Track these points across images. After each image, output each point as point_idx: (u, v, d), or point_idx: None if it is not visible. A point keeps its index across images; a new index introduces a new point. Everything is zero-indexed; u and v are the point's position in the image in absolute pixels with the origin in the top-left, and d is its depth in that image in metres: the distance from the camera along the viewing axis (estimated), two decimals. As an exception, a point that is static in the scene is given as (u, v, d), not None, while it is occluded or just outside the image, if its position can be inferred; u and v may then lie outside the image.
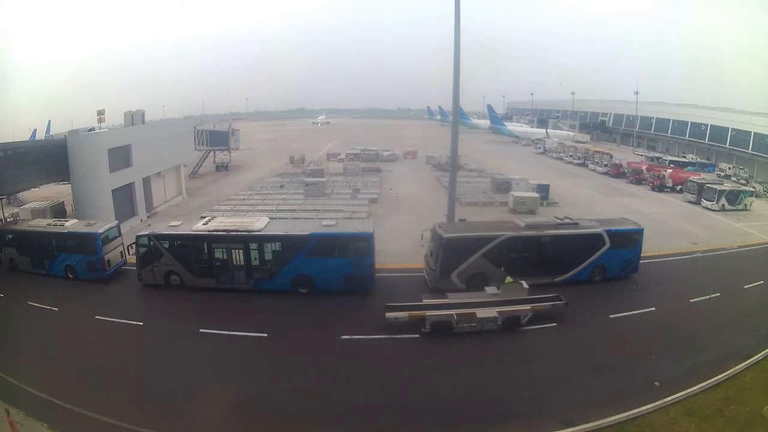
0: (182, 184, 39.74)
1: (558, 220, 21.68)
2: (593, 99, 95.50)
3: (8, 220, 26.28)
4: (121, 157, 29.66)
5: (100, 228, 21.41)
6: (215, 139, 52.27)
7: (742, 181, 48.63)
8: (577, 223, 21.47)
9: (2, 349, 14.99)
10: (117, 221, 23.53)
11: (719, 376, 13.69)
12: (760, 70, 68.22)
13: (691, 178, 41.21)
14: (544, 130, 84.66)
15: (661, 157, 63.29)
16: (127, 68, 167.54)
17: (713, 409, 12.45)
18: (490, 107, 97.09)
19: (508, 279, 18.00)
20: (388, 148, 62.53)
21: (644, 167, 49.57)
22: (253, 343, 15.76)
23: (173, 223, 21.22)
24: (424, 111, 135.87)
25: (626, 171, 49.75)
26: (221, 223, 20.75)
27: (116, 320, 17.23)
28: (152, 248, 19.91)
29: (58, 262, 21.52)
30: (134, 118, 33.18)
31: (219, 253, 19.70)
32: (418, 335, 15.97)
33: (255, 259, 19.59)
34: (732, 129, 59.22)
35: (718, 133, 61.44)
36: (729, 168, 55.17)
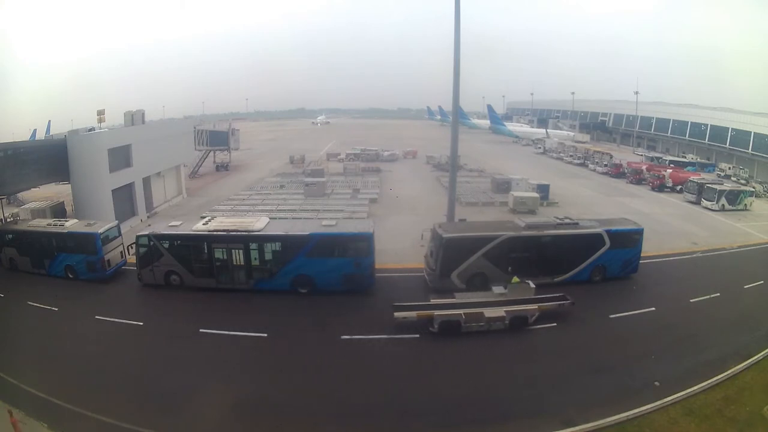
0: (182, 184, 39.74)
1: (558, 220, 21.68)
2: (593, 99, 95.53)
3: (8, 220, 26.28)
4: (121, 157, 29.66)
5: (100, 228, 21.41)
6: (215, 139, 52.27)
7: (742, 181, 48.63)
8: (577, 223, 21.47)
9: (2, 349, 14.99)
10: (117, 221, 23.53)
11: (719, 376, 13.69)
12: (760, 70, 68.32)
13: (691, 178, 41.21)
14: (544, 130, 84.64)
15: (661, 157, 63.29)
16: (127, 68, 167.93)
17: (713, 409, 12.45)
18: (490, 107, 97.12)
19: (515, 278, 18.01)
20: (388, 148, 62.53)
21: (644, 167, 49.57)
22: (253, 343, 15.76)
23: (173, 223, 21.22)
24: (424, 111, 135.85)
25: (626, 171, 49.75)
26: (221, 223, 20.75)
27: (116, 320, 17.23)
28: (152, 248, 19.91)
29: (58, 262, 21.52)
30: (134, 118, 33.19)
31: (219, 253, 19.70)
32: (418, 335, 15.98)
33: (255, 259, 19.59)
34: (732, 129, 59.22)
35: (718, 133, 61.45)
36: (729, 168, 55.18)
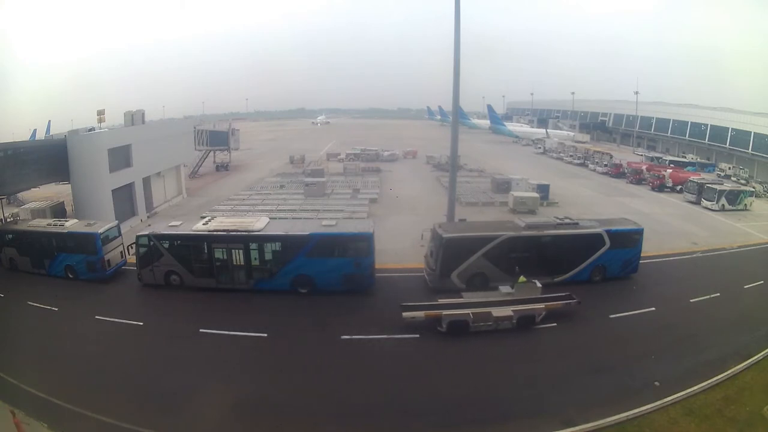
0: (182, 184, 39.73)
1: (558, 220, 21.68)
2: (593, 99, 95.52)
3: (8, 220, 26.28)
4: (121, 157, 29.66)
5: (100, 228, 21.41)
6: (215, 139, 52.26)
7: (742, 181, 48.63)
8: (577, 223, 21.47)
9: (2, 349, 14.98)
10: (117, 221, 23.53)
11: (719, 376, 13.69)
12: (760, 70, 68.34)
13: (691, 178, 41.21)
14: (544, 130, 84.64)
15: (661, 157, 63.29)
16: (127, 68, 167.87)
17: (713, 409, 12.45)
18: (490, 107, 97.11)
19: (522, 278, 18.03)
20: (388, 148, 62.52)
21: (644, 167, 49.57)
22: (253, 343, 15.76)
23: (173, 223, 21.22)
24: (424, 111, 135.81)
25: (626, 171, 49.74)
26: (221, 223, 20.75)
27: (116, 320, 17.23)
28: (152, 248, 19.90)
29: (58, 262, 21.52)
30: (134, 118, 33.19)
31: (219, 253, 19.70)
32: (418, 335, 15.98)
33: (255, 259, 19.59)
34: (732, 129, 59.22)
35: (718, 133, 61.44)
36: (729, 168, 55.17)
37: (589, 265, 20.65)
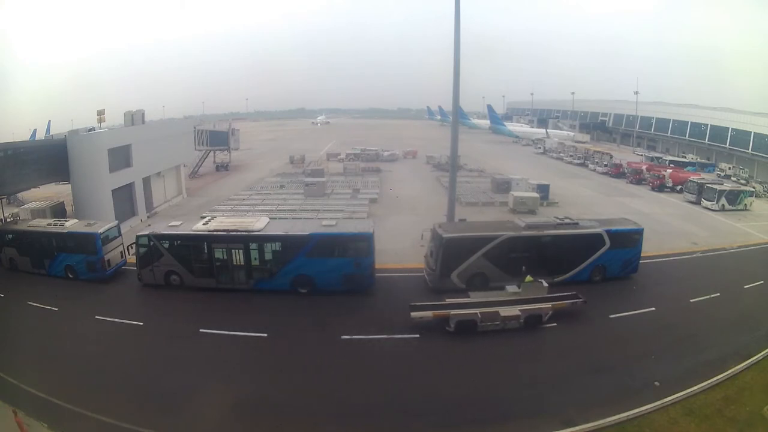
0: (182, 184, 39.73)
1: (558, 220, 21.68)
2: (593, 99, 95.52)
3: (8, 220, 26.27)
4: (121, 157, 29.66)
5: (100, 228, 21.41)
6: (215, 139, 52.27)
7: (742, 181, 48.63)
8: (577, 223, 21.47)
9: (2, 349, 14.98)
10: (117, 221, 23.53)
11: (719, 376, 13.69)
12: (760, 70, 68.33)
13: (691, 178, 41.21)
14: (544, 130, 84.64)
15: (661, 157, 63.28)
16: (127, 68, 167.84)
17: (713, 409, 12.45)
18: (490, 107, 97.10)
19: (528, 278, 18.04)
20: (388, 148, 62.51)
21: (644, 167, 49.56)
22: (253, 343, 15.76)
23: (173, 223, 21.22)
24: (424, 111, 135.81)
25: (626, 171, 49.74)
26: (221, 223, 20.75)
27: (116, 320, 17.23)
28: (152, 248, 19.90)
29: (58, 262, 21.52)
30: (134, 118, 33.19)
31: (219, 253, 19.70)
32: (418, 335, 15.98)
33: (255, 259, 19.58)
34: (732, 129, 59.22)
35: (718, 133, 61.44)
36: (729, 168, 55.17)
37: (589, 265, 20.65)
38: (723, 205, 36.07)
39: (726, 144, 59.87)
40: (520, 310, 16.54)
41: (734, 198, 36.91)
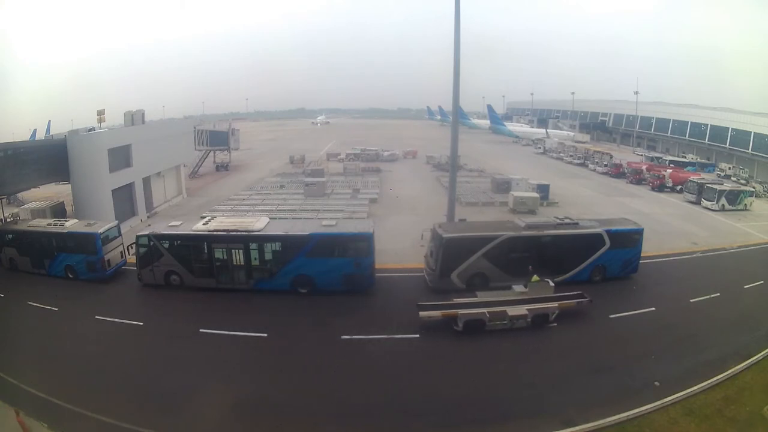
0: (182, 184, 39.73)
1: (558, 220, 21.68)
2: (593, 99, 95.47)
3: (8, 220, 26.27)
4: (121, 157, 29.66)
5: (100, 228, 21.40)
6: (215, 139, 52.27)
7: (742, 181, 48.62)
8: (577, 223, 21.47)
9: (3, 349, 14.98)
10: (117, 221, 23.53)
11: (719, 376, 13.69)
12: (760, 70, 68.27)
13: (691, 178, 41.20)
14: (544, 130, 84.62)
15: (661, 157, 63.26)
16: (127, 68, 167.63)
17: (713, 409, 12.45)
18: (490, 107, 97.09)
19: (535, 277, 18.05)
20: (388, 148, 62.49)
21: (644, 167, 49.55)
22: (253, 343, 15.76)
23: (173, 223, 21.22)
24: (424, 111, 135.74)
25: (626, 171, 49.73)
26: (221, 223, 20.75)
27: (116, 320, 17.23)
28: (152, 248, 19.90)
29: (58, 262, 21.52)
30: (134, 118, 33.19)
31: (219, 253, 19.70)
32: (418, 335, 15.99)
33: (255, 259, 19.58)
34: (732, 129, 59.21)
35: (718, 133, 61.44)
36: (729, 168, 55.15)
37: (589, 265, 20.65)
38: (723, 205, 36.06)
39: (726, 144, 59.86)
40: (527, 309, 16.61)
41: (734, 198, 36.91)
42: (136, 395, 13.00)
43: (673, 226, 30.77)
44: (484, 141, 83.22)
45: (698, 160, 60.81)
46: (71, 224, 22.28)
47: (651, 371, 13.95)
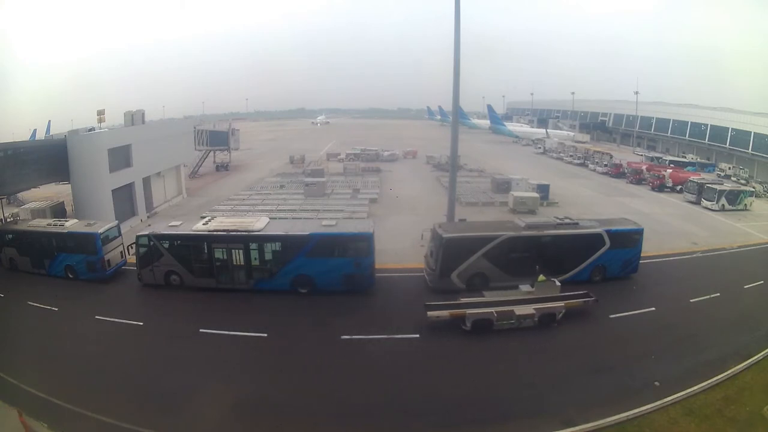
0: (182, 184, 39.74)
1: (558, 220, 21.68)
2: (593, 99, 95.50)
3: (8, 220, 26.27)
4: (121, 157, 29.66)
5: (100, 228, 21.41)
6: (215, 139, 52.28)
7: (742, 181, 48.62)
8: (577, 223, 21.47)
9: (3, 349, 14.99)
10: (117, 221, 23.53)
11: (719, 376, 13.69)
12: (760, 70, 68.24)
13: (691, 178, 41.20)
14: (544, 130, 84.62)
15: (661, 157, 63.27)
16: (127, 68, 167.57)
17: (713, 409, 12.45)
18: (490, 107, 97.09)
19: (541, 277, 18.07)
20: (388, 148, 62.49)
21: (644, 167, 49.56)
22: (253, 343, 15.76)
23: (173, 223, 21.22)
24: (424, 111, 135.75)
25: (626, 171, 49.74)
26: (221, 223, 20.75)
27: (116, 320, 17.23)
28: (152, 248, 19.91)
29: (58, 262, 21.52)
30: (134, 118, 33.19)
31: (219, 253, 19.69)
32: (418, 335, 15.99)
33: (255, 259, 19.58)
34: (732, 129, 59.22)
35: (718, 133, 61.44)
36: (729, 168, 55.16)
37: (589, 265, 20.65)
38: (723, 205, 36.07)
39: (726, 144, 59.87)
40: (534, 308, 16.64)
41: (734, 198, 36.91)
42: (136, 395, 13.00)
43: (673, 226, 30.78)
44: (484, 141, 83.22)
45: (698, 160, 60.81)
46: (71, 224, 22.28)
47: (651, 371, 13.95)
